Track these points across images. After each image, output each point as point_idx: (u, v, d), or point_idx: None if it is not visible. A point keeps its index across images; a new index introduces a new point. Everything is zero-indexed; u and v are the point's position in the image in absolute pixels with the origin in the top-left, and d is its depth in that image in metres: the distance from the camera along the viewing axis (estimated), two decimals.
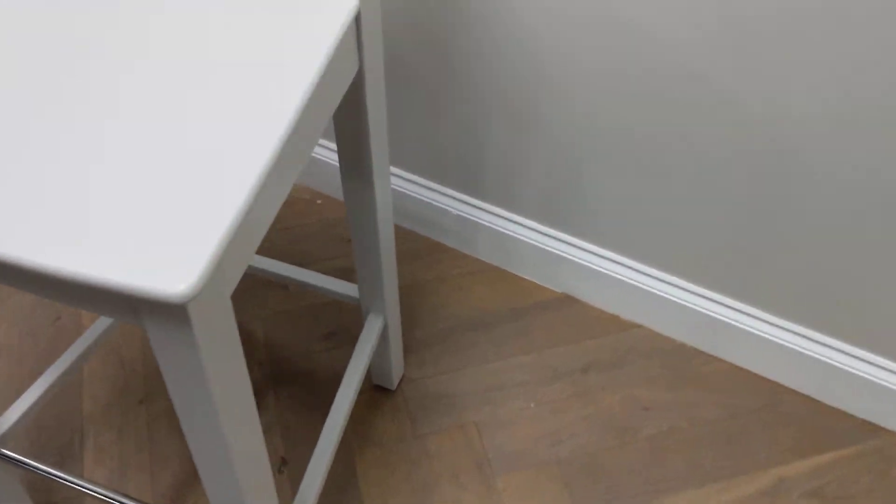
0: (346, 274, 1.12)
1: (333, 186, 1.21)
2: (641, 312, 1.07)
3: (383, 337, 0.93)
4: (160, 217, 0.45)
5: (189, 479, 0.94)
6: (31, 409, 0.83)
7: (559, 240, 1.07)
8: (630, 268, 1.04)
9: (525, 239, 1.08)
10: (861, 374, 0.95)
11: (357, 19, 0.60)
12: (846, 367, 0.95)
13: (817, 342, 0.96)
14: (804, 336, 0.97)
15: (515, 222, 1.08)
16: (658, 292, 1.03)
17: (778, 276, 0.94)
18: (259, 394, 1.01)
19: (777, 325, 0.98)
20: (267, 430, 0.97)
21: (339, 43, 0.58)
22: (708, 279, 1.00)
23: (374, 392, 1.01)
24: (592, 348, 1.06)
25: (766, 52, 0.77)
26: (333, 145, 1.17)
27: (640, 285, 1.04)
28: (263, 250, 1.15)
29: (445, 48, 0.95)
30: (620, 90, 0.88)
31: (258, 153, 0.49)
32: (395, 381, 1.01)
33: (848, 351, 0.95)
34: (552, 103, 0.93)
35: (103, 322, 0.91)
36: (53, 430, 0.98)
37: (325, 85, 0.56)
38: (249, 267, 0.97)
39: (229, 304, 0.49)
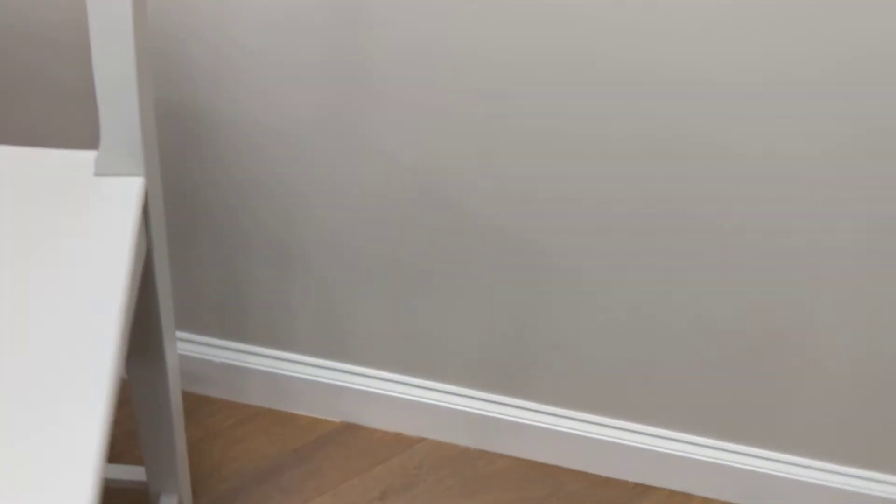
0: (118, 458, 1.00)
1: None
2: (423, 426, 1.08)
3: None
4: None
5: None
6: None
7: (333, 369, 1.05)
8: (405, 384, 1.06)
9: (299, 375, 1.05)
10: (625, 442, 1.05)
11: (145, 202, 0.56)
12: (613, 440, 1.05)
13: (587, 421, 1.05)
14: (576, 419, 1.05)
15: (286, 360, 1.05)
16: (436, 402, 1.06)
17: (543, 370, 1.01)
18: None
19: (550, 413, 1.05)
20: None
21: (136, 237, 0.53)
22: (480, 382, 1.04)
23: None
24: (384, 473, 1.05)
25: (521, 180, 0.84)
26: None
27: (418, 399, 1.05)
28: None
29: (195, 185, 0.91)
30: (381, 218, 0.90)
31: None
32: None
33: (612, 424, 1.05)
34: (313, 236, 0.93)
35: None
36: None
37: (132, 287, 0.52)
38: None
39: None
